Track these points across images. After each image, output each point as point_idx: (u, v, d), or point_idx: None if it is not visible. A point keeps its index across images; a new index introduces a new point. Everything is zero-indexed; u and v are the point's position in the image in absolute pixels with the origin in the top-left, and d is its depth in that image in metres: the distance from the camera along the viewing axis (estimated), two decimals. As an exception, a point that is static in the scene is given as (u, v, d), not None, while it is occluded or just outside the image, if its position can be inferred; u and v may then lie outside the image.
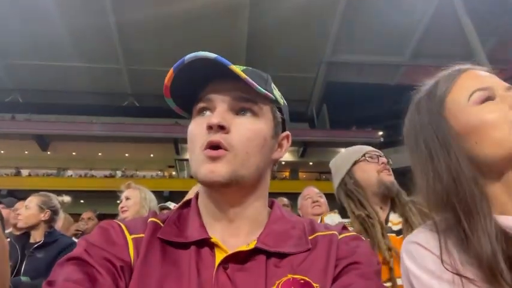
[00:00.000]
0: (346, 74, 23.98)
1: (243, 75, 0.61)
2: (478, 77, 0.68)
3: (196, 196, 0.72)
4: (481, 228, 0.59)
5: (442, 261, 0.61)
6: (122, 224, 0.64)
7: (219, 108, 0.63)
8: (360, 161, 1.60)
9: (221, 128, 0.61)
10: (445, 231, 0.64)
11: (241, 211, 0.66)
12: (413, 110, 0.75)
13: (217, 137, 0.61)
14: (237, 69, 0.62)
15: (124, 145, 21.25)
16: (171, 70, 0.61)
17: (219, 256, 0.60)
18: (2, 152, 22.24)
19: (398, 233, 1.46)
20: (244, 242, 0.63)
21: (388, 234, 1.45)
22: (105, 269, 0.55)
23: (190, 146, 0.64)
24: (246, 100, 0.65)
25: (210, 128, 0.61)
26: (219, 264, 0.58)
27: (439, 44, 20.68)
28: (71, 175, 22.83)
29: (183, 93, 0.65)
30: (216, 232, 0.64)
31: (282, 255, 0.60)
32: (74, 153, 22.98)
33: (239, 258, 0.59)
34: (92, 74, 22.81)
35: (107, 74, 22.62)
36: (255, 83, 0.63)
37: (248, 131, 0.63)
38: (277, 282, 0.57)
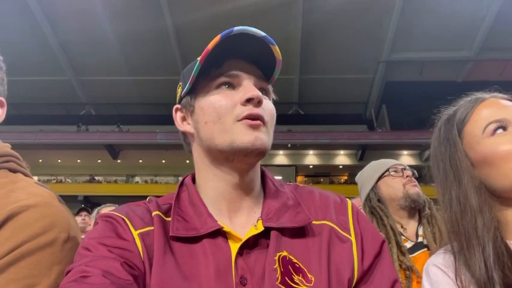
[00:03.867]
0: (407, 73, 22.83)
1: (280, 56, 0.68)
2: (496, 107, 0.70)
3: (192, 179, 0.74)
4: (479, 258, 0.65)
5: (456, 278, 0.67)
6: (125, 218, 0.64)
7: (248, 84, 0.67)
8: (384, 176, 1.61)
9: (259, 102, 0.65)
10: (457, 252, 0.71)
11: (249, 184, 0.69)
12: (435, 137, 0.79)
13: (259, 110, 0.65)
14: (278, 51, 0.67)
15: (185, 152, 22.15)
16: (218, 36, 0.64)
17: (232, 244, 0.62)
18: (79, 161, 24.37)
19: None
20: (248, 221, 0.66)
21: (421, 251, 1.44)
22: (120, 261, 0.57)
23: (214, 116, 0.66)
24: (265, 81, 0.71)
25: (248, 100, 0.65)
26: (237, 253, 0.61)
27: (509, 35, 18.95)
28: (137, 181, 24.29)
29: (206, 63, 0.67)
30: (222, 216, 0.66)
31: (285, 231, 0.64)
32: (140, 161, 24.47)
33: (250, 241, 0.62)
34: (152, 87, 24.17)
35: (167, 85, 23.84)
36: (280, 66, 0.70)
37: (272, 109, 0.70)
38: (278, 254, 0.61)
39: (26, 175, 0.74)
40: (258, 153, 0.65)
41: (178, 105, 0.75)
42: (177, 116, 0.75)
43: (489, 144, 0.69)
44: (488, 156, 0.69)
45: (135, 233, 0.62)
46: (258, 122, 0.64)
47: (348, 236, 0.66)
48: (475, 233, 0.67)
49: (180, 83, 0.75)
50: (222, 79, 0.67)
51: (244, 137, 0.63)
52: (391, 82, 23.54)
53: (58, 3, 19.05)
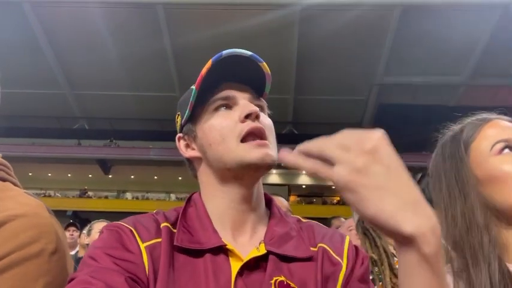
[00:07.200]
0: (400, 96, 23.18)
1: (269, 71, 0.71)
2: (502, 127, 0.71)
3: (199, 194, 0.75)
4: (485, 275, 0.64)
5: None
6: (132, 229, 0.64)
7: (244, 102, 0.70)
8: None
9: (256, 117, 0.68)
10: (458, 272, 0.69)
11: (254, 201, 0.71)
12: (438, 154, 0.79)
13: (259, 124, 0.68)
14: (266, 66, 0.71)
15: (178, 169, 22.16)
16: (210, 61, 0.66)
17: (234, 262, 0.63)
18: (69, 175, 24.07)
19: None
20: (250, 242, 0.68)
21: None
22: (124, 275, 0.56)
23: (217, 137, 0.68)
24: (259, 99, 0.74)
25: (247, 116, 0.67)
26: (237, 273, 0.61)
27: (500, 62, 19.43)
28: (127, 197, 24.00)
29: (201, 89, 0.70)
30: (226, 234, 0.67)
31: (284, 257, 0.65)
32: (132, 177, 24.24)
33: (251, 263, 0.63)
34: (147, 103, 24.22)
35: (163, 101, 23.88)
36: (269, 80, 0.73)
37: (270, 123, 0.72)
38: (275, 278, 0.62)
39: (15, 185, 0.73)
40: (268, 167, 0.67)
41: (180, 134, 0.77)
42: (181, 145, 0.76)
43: (496, 163, 0.70)
44: (495, 174, 0.69)
45: (142, 246, 0.62)
46: (264, 141, 0.67)
47: (339, 260, 0.68)
48: (481, 249, 0.66)
49: (178, 113, 0.77)
50: (219, 102, 0.70)
51: (252, 154, 0.65)
52: (384, 105, 23.86)
53: (56, 17, 19.22)
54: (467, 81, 21.75)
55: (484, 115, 0.78)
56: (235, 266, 0.62)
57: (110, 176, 24.13)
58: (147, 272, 0.59)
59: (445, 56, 20.11)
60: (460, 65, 21.01)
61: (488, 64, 20.11)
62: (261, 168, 0.67)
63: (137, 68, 21.88)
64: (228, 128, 0.67)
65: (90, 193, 23.52)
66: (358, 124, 25.91)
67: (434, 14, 18.38)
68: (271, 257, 0.64)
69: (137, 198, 23.45)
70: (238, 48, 0.67)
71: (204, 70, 0.67)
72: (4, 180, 0.72)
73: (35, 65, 21.43)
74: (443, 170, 0.76)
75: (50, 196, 22.16)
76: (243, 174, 0.67)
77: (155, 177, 23.98)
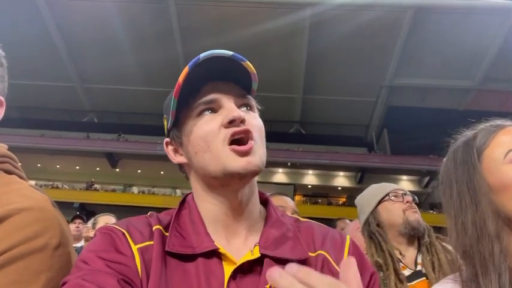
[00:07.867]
0: (409, 99, 22.98)
1: (253, 70, 0.67)
2: None
3: (193, 196, 0.73)
4: (495, 286, 0.62)
5: None
6: (125, 232, 0.63)
7: (228, 105, 0.66)
8: (384, 201, 1.57)
9: (242, 121, 0.65)
10: (466, 281, 0.68)
11: (246, 206, 0.68)
12: (450, 159, 0.77)
13: (243, 127, 0.64)
14: (250, 65, 0.66)
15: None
16: (186, 68, 0.63)
17: (227, 266, 0.62)
18: (77, 167, 24.30)
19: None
20: (245, 245, 0.66)
21: (420, 279, 1.40)
22: (116, 277, 0.56)
23: (202, 144, 0.65)
24: (246, 97, 0.70)
25: (230, 122, 0.64)
26: (230, 277, 0.60)
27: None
28: (133, 191, 24.16)
29: (182, 94, 0.67)
30: (219, 237, 0.66)
31: (279, 260, 0.62)
32: (139, 171, 24.38)
33: (245, 266, 0.62)
34: (156, 98, 24.32)
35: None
36: (255, 79, 0.68)
37: (258, 123, 0.68)
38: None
39: (21, 177, 0.73)
40: (253, 174, 0.65)
41: (167, 139, 0.75)
42: (169, 150, 0.75)
43: (510, 171, 0.68)
44: (508, 182, 0.67)
45: (135, 248, 0.61)
46: (246, 147, 0.63)
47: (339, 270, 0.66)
48: (492, 259, 0.64)
49: (165, 116, 0.74)
50: (202, 107, 0.67)
51: (235, 163, 0.63)
52: (393, 107, 23.68)
53: (69, 10, 19.36)
54: (478, 85, 21.49)
55: (498, 122, 0.75)
56: (228, 269, 0.61)
57: (117, 170, 24.29)
58: (140, 274, 0.59)
59: (456, 59, 19.89)
60: (471, 69, 20.76)
61: (499, 69, 19.84)
62: (246, 176, 0.64)
63: (147, 64, 21.98)
64: (212, 134, 0.65)
65: (97, 186, 23.72)
66: (366, 126, 25.76)
67: (447, 18, 18.18)
68: (266, 260, 0.62)
69: (143, 192, 23.61)
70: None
71: (181, 78, 0.64)
72: (10, 173, 0.72)
73: (47, 58, 21.64)
74: (455, 177, 0.74)
75: (57, 188, 22.39)
76: (229, 182, 0.65)
77: (162, 172, 24.08)
